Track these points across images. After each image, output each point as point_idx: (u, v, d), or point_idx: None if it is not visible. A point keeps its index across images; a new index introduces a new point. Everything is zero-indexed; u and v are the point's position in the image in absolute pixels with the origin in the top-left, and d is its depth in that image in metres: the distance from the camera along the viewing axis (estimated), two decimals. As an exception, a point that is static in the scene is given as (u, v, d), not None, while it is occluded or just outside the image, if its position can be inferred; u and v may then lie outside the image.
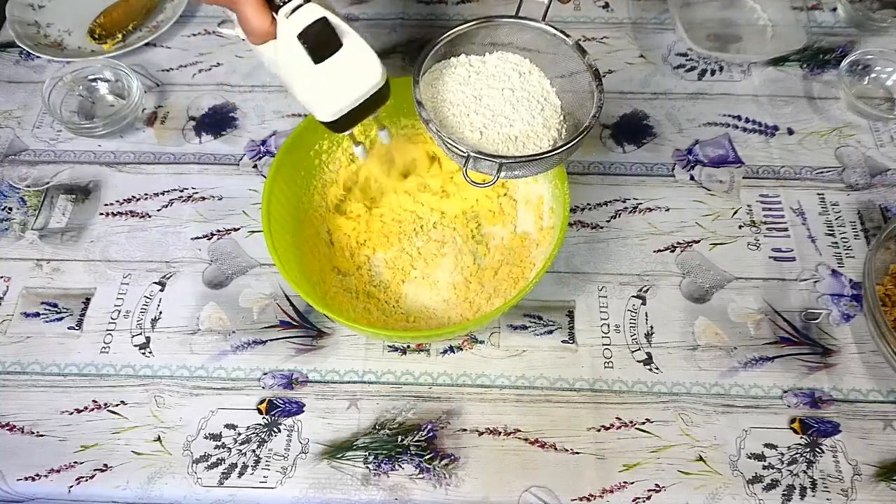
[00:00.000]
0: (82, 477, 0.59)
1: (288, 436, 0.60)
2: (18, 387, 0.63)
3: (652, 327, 0.65)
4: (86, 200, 0.73)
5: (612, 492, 0.57)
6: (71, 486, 0.58)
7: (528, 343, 0.64)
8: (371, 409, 0.61)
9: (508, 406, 0.61)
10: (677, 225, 0.71)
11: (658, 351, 0.64)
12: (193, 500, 0.58)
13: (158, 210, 0.73)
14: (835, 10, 0.87)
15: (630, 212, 0.72)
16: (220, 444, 0.60)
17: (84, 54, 0.83)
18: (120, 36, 0.84)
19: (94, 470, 0.59)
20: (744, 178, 0.74)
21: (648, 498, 0.57)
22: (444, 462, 0.59)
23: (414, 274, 0.67)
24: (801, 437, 0.59)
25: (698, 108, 0.79)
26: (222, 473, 0.59)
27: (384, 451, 0.59)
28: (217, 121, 0.79)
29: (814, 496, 0.57)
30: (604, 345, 0.64)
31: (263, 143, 0.77)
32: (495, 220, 0.69)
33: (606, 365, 0.63)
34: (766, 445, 0.59)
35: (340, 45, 0.49)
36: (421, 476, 0.58)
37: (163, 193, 0.74)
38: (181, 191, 0.74)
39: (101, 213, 0.72)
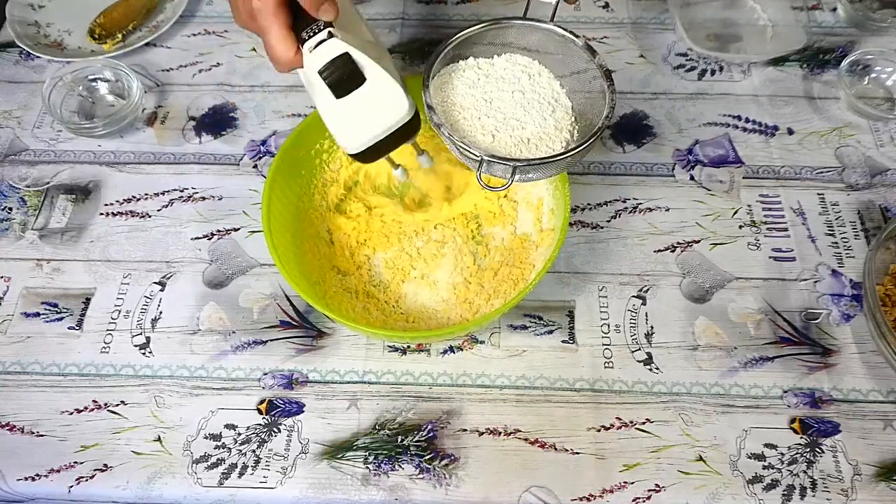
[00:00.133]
0: (82, 477, 0.59)
1: (288, 436, 0.60)
2: (18, 387, 0.63)
3: (652, 327, 0.65)
4: (86, 200, 0.73)
5: (612, 492, 0.57)
6: (71, 486, 0.58)
7: (528, 343, 0.64)
8: (371, 409, 0.61)
9: (508, 406, 0.61)
10: (677, 225, 0.71)
11: (658, 351, 0.64)
12: (193, 500, 0.58)
13: (158, 210, 0.73)
14: (835, 10, 0.87)
15: (630, 212, 0.72)
16: (220, 444, 0.60)
17: (84, 54, 0.83)
18: (120, 36, 0.84)
19: (94, 470, 0.59)
20: (744, 178, 0.74)
21: (648, 498, 0.57)
22: (444, 462, 0.59)
23: (414, 274, 0.67)
24: (801, 437, 0.59)
25: (698, 108, 0.79)
26: (222, 473, 0.59)
27: (384, 452, 0.59)
28: (217, 121, 0.79)
29: (814, 496, 0.57)
30: (604, 345, 0.64)
31: (263, 143, 0.77)
32: (495, 221, 0.69)
33: (606, 365, 0.63)
34: (766, 445, 0.59)
35: (363, 80, 0.49)
36: (421, 476, 0.58)
37: (163, 193, 0.74)
38: (181, 191, 0.74)
39: (101, 213, 0.72)
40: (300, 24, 0.49)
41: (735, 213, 0.71)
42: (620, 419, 0.60)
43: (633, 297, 0.67)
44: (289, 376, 0.63)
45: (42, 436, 0.60)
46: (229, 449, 0.60)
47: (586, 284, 0.67)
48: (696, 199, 0.72)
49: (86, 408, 0.62)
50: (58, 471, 0.59)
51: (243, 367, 0.64)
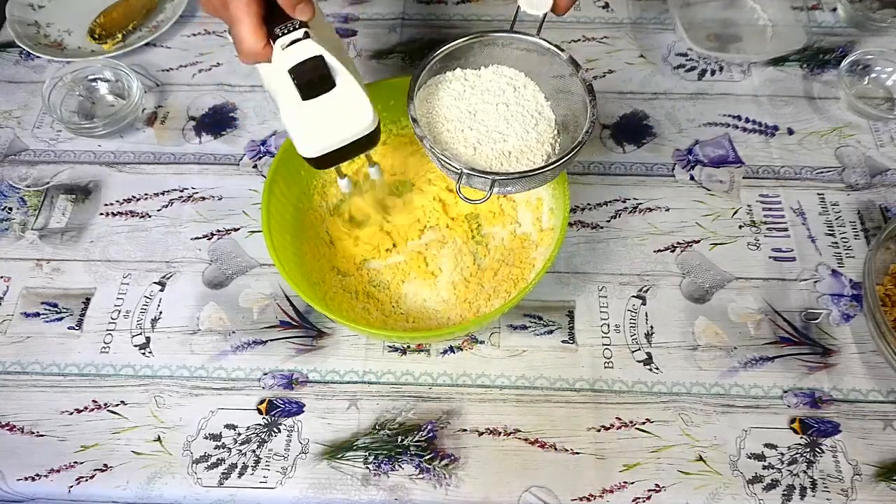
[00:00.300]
0: (82, 477, 0.59)
1: (288, 436, 0.60)
2: (18, 387, 0.63)
3: (652, 327, 0.65)
4: (86, 200, 0.73)
5: (612, 492, 0.57)
6: (71, 486, 0.58)
7: (528, 343, 0.64)
8: (371, 409, 0.61)
9: (508, 406, 0.61)
10: (677, 225, 0.71)
11: (658, 351, 0.64)
12: (193, 500, 0.58)
13: (158, 210, 0.73)
14: (835, 10, 0.87)
15: (630, 212, 0.72)
16: (220, 444, 0.60)
17: (84, 54, 0.83)
18: (120, 36, 0.84)
19: (94, 470, 0.59)
20: (744, 178, 0.74)
21: (648, 498, 0.57)
22: (444, 462, 0.59)
23: (414, 274, 0.67)
24: (801, 437, 0.59)
25: (698, 108, 0.79)
26: (222, 474, 0.59)
27: (384, 452, 0.59)
28: (217, 121, 0.79)
29: (814, 496, 0.57)
30: (604, 345, 0.64)
31: (263, 143, 0.77)
32: (495, 220, 0.69)
33: (606, 365, 0.63)
34: (766, 445, 0.59)
35: (333, 85, 0.48)
36: (421, 476, 0.58)
37: (163, 193, 0.74)
38: (181, 191, 0.74)
39: (101, 213, 0.72)
40: (273, 20, 0.49)
41: (735, 213, 0.71)
42: (620, 419, 0.60)
43: (633, 297, 0.67)
44: (289, 376, 0.63)
45: (42, 436, 0.60)
46: (229, 449, 0.60)
47: (586, 284, 0.67)
48: (696, 199, 0.72)
49: (86, 408, 0.62)
50: (58, 471, 0.59)
51: (243, 367, 0.64)
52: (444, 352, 0.64)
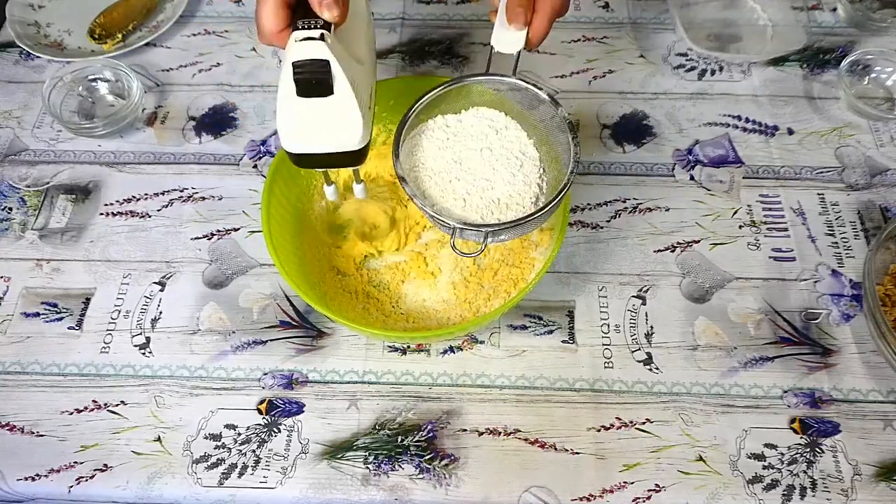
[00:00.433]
0: (82, 477, 0.59)
1: (288, 436, 0.60)
2: (18, 387, 0.63)
3: (652, 327, 0.65)
4: (86, 200, 0.73)
5: (612, 492, 0.57)
6: (71, 486, 0.58)
7: (528, 343, 0.64)
8: (371, 409, 0.61)
9: (508, 406, 0.61)
10: (677, 225, 0.71)
11: (658, 351, 0.64)
12: (193, 501, 0.58)
13: (158, 210, 0.73)
14: (835, 10, 0.87)
15: (630, 212, 0.72)
16: (220, 444, 0.60)
17: (84, 54, 0.83)
18: (120, 36, 0.84)
19: (94, 470, 0.59)
20: (744, 178, 0.74)
21: (648, 498, 0.57)
22: (444, 462, 0.59)
23: (414, 274, 0.66)
24: (801, 437, 0.59)
25: (698, 108, 0.79)
26: (222, 474, 0.59)
27: (384, 452, 0.59)
28: (217, 121, 0.79)
29: (814, 496, 0.57)
30: (604, 345, 0.64)
31: (263, 143, 0.77)
32: (495, 220, 0.69)
33: (606, 365, 0.63)
34: (766, 445, 0.59)
35: (331, 92, 0.48)
36: (421, 476, 0.58)
37: (163, 193, 0.74)
38: (181, 191, 0.74)
39: (101, 213, 0.72)
40: (301, 10, 0.49)
41: (735, 213, 0.71)
42: (620, 419, 0.60)
43: (633, 297, 0.67)
44: (289, 376, 0.63)
45: (42, 436, 0.60)
46: (229, 449, 0.60)
47: (586, 284, 0.67)
48: (696, 199, 0.72)
49: (86, 408, 0.62)
50: (58, 471, 0.59)
51: (243, 367, 0.64)
52: (444, 352, 0.64)
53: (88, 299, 0.67)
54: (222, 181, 0.74)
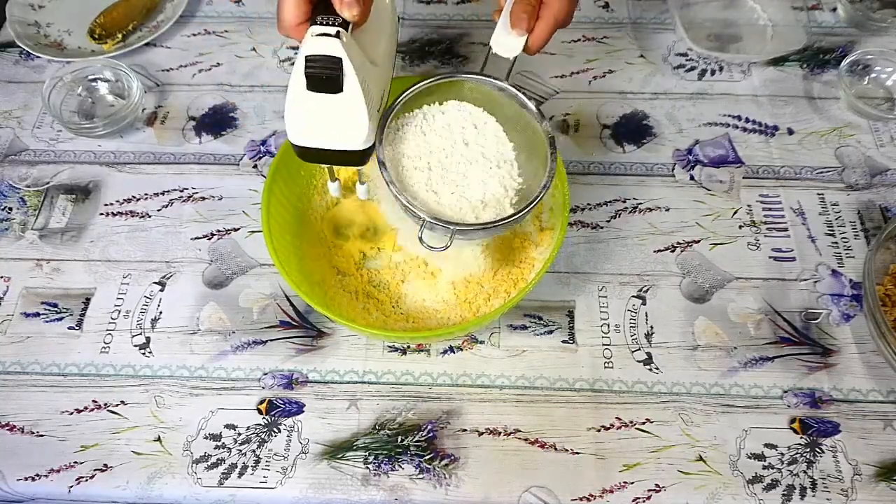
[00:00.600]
0: (82, 477, 0.59)
1: (288, 436, 0.60)
2: (18, 387, 0.63)
3: (652, 327, 0.65)
4: (86, 200, 0.73)
5: (612, 492, 0.57)
6: (71, 486, 0.58)
7: (528, 343, 0.64)
8: (371, 409, 0.61)
9: (508, 406, 0.61)
10: (677, 225, 0.71)
11: (658, 351, 0.64)
12: (193, 500, 0.58)
13: (158, 210, 0.73)
14: (835, 10, 0.87)
15: (630, 212, 0.72)
16: (220, 444, 0.60)
17: (84, 54, 0.83)
18: (120, 36, 0.84)
19: (94, 470, 0.59)
20: (744, 178, 0.74)
21: (648, 498, 0.57)
22: (444, 462, 0.59)
23: (414, 274, 0.66)
24: (801, 437, 0.59)
25: (698, 108, 0.79)
26: (222, 474, 0.59)
27: (384, 452, 0.59)
28: (217, 121, 0.79)
29: (814, 496, 0.57)
30: (604, 345, 0.64)
31: (263, 143, 0.77)
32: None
33: (606, 365, 0.63)
34: (766, 445, 0.59)
35: (340, 90, 0.48)
36: (421, 476, 0.58)
37: (163, 193, 0.74)
38: (181, 191, 0.74)
39: (101, 213, 0.72)
40: (322, 6, 0.49)
41: (735, 213, 0.71)
42: (620, 419, 0.60)
43: (633, 297, 0.67)
44: (289, 376, 0.63)
45: (42, 436, 0.60)
46: (229, 449, 0.60)
47: (586, 284, 0.67)
48: (696, 199, 0.72)
49: (86, 408, 0.62)
50: (58, 471, 0.59)
51: (243, 367, 0.64)
52: (444, 352, 0.64)
53: (88, 299, 0.67)
54: (222, 181, 0.74)
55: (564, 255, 0.69)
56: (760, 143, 0.76)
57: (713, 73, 0.82)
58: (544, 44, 0.54)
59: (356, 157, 0.52)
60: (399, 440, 0.60)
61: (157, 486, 0.58)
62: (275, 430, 0.60)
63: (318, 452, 0.59)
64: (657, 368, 0.63)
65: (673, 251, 0.69)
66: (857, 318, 0.65)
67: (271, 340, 0.65)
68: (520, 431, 0.60)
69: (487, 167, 0.54)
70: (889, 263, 0.66)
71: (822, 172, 0.74)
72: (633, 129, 0.77)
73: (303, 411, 0.61)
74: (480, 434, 0.60)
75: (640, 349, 0.64)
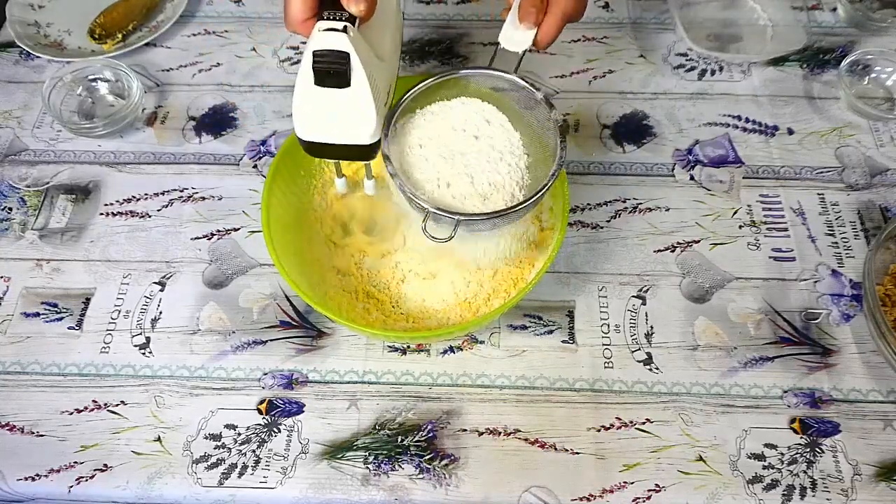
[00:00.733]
0: (82, 477, 0.59)
1: (288, 436, 0.60)
2: (18, 387, 0.63)
3: (652, 327, 0.65)
4: (86, 200, 0.73)
5: (612, 492, 0.57)
6: (71, 486, 0.58)
7: (528, 343, 0.64)
8: (371, 409, 0.61)
9: (508, 406, 0.61)
10: (677, 225, 0.71)
11: (658, 351, 0.64)
12: (193, 500, 0.58)
13: (158, 210, 0.73)
14: (835, 10, 0.87)
15: (630, 212, 0.72)
16: (220, 444, 0.60)
17: (84, 54, 0.83)
18: (120, 36, 0.84)
19: (94, 470, 0.59)
20: (744, 178, 0.74)
21: (648, 498, 0.57)
22: (444, 462, 0.59)
23: (413, 274, 0.66)
24: (801, 437, 0.59)
25: (698, 108, 0.79)
26: (222, 474, 0.59)
27: (384, 452, 0.59)
28: (217, 121, 0.79)
29: (814, 496, 0.57)
30: (604, 345, 0.64)
31: (263, 143, 0.77)
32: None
33: (606, 365, 0.63)
34: (766, 445, 0.59)
35: (348, 84, 0.48)
36: (421, 476, 0.58)
37: (163, 193, 0.74)
38: (181, 191, 0.74)
39: (101, 213, 0.72)
40: (329, 1, 0.49)
41: (735, 213, 0.71)
42: (620, 419, 0.60)
43: (633, 297, 0.67)
44: (289, 376, 0.63)
45: (42, 436, 0.60)
46: (229, 449, 0.60)
47: (586, 284, 0.67)
48: (696, 199, 0.72)
49: (86, 408, 0.62)
50: (58, 471, 0.59)
51: (243, 367, 0.64)
52: (444, 352, 0.64)
53: (88, 299, 0.67)
54: (222, 181, 0.74)
55: (564, 255, 0.69)
56: (760, 143, 0.76)
57: (713, 73, 0.82)
58: (553, 38, 0.54)
59: (364, 152, 0.52)
60: (399, 440, 0.60)
61: (157, 486, 0.58)
62: (275, 430, 0.60)
63: (318, 452, 0.59)
64: (657, 368, 0.63)
65: (673, 251, 0.69)
66: (857, 318, 0.65)
67: (271, 340, 0.65)
68: (520, 431, 0.60)
69: (496, 158, 0.54)
70: (889, 263, 0.66)
71: (822, 172, 0.74)
72: (633, 129, 0.77)
73: (303, 411, 0.61)
74: (480, 434, 0.60)
75: (640, 349, 0.64)
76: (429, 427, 0.60)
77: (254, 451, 0.59)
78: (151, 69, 0.83)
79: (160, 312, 0.66)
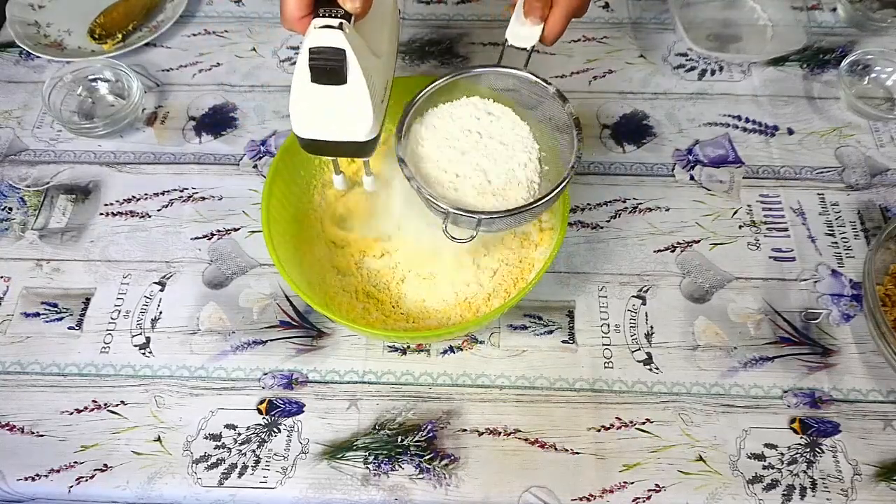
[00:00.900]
0: (82, 477, 0.59)
1: (288, 436, 0.60)
2: (18, 387, 0.63)
3: (652, 327, 0.65)
4: (86, 200, 0.73)
5: (612, 492, 0.57)
6: (71, 486, 0.58)
7: (528, 343, 0.64)
8: (371, 409, 0.61)
9: (508, 406, 0.61)
10: (677, 225, 0.71)
11: (658, 351, 0.64)
12: (193, 500, 0.58)
13: (158, 210, 0.73)
14: (835, 10, 0.87)
15: (630, 212, 0.72)
16: (220, 444, 0.60)
17: (84, 54, 0.83)
18: (120, 36, 0.84)
19: (94, 470, 0.59)
20: (744, 178, 0.74)
21: (648, 498, 0.57)
22: (444, 462, 0.59)
23: (413, 274, 0.66)
24: (801, 437, 0.59)
25: (698, 108, 0.79)
26: (222, 474, 0.59)
27: (384, 452, 0.59)
28: (217, 121, 0.79)
29: (814, 496, 0.57)
30: (604, 345, 0.64)
31: (263, 143, 0.77)
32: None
33: (606, 365, 0.63)
34: (766, 445, 0.59)
35: (344, 81, 0.48)
36: (421, 476, 0.58)
37: (163, 193, 0.74)
38: (181, 191, 0.74)
39: (101, 213, 0.72)
40: (326, 1, 0.49)
41: (735, 213, 0.71)
42: (620, 419, 0.60)
43: (633, 297, 0.67)
44: (289, 376, 0.63)
45: (42, 436, 0.60)
46: (229, 449, 0.60)
47: (586, 284, 0.67)
48: (696, 199, 0.72)
49: (86, 408, 0.62)
50: (58, 471, 0.59)
51: (243, 367, 0.64)
52: (444, 352, 0.64)
53: (88, 299, 0.67)
54: (222, 181, 0.74)
55: (564, 255, 0.69)
56: (760, 143, 0.76)
57: (713, 73, 0.82)
58: (560, 33, 0.54)
59: (362, 149, 0.52)
60: (399, 440, 0.60)
61: (157, 486, 0.58)
62: (275, 430, 0.60)
63: (318, 452, 0.59)
64: (657, 368, 0.63)
65: (673, 251, 0.69)
66: (857, 318, 0.65)
67: (271, 340, 0.65)
68: (520, 431, 0.60)
69: (510, 157, 0.55)
70: (889, 263, 0.66)
71: (822, 172, 0.74)
72: (633, 129, 0.77)
73: (303, 411, 0.61)
74: (480, 434, 0.60)
75: (640, 349, 0.64)
76: (429, 427, 0.60)
77: (254, 451, 0.59)
78: (151, 69, 0.83)
79: (160, 312, 0.66)
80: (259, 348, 0.64)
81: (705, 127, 0.78)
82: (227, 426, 0.61)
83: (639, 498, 0.57)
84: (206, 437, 0.60)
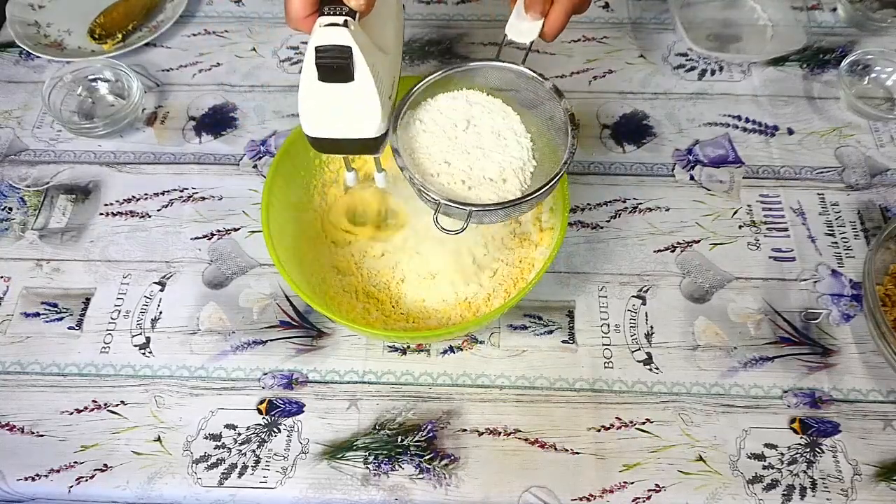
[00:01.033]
0: (82, 477, 0.59)
1: (288, 436, 0.60)
2: (18, 387, 0.63)
3: (652, 327, 0.65)
4: (86, 200, 0.73)
5: (612, 492, 0.57)
6: (71, 486, 0.58)
7: (528, 343, 0.64)
8: (371, 409, 0.61)
9: (508, 406, 0.61)
10: (677, 225, 0.71)
11: (658, 351, 0.64)
12: (193, 500, 0.58)
13: (158, 210, 0.73)
14: (835, 10, 0.87)
15: (630, 212, 0.72)
16: (220, 444, 0.60)
17: (84, 54, 0.83)
18: (120, 36, 0.84)
19: (94, 470, 0.59)
20: (744, 178, 0.74)
21: (648, 498, 0.57)
22: (444, 462, 0.59)
23: (413, 274, 0.66)
24: (801, 437, 0.60)
25: (698, 108, 0.79)
26: (222, 474, 0.59)
27: (384, 452, 0.59)
28: (217, 121, 0.79)
29: (814, 496, 0.57)
30: (604, 345, 0.64)
31: (263, 143, 0.77)
32: (495, 220, 0.69)
33: (606, 365, 0.63)
34: (766, 445, 0.59)
35: (351, 79, 0.48)
36: (421, 476, 0.58)
37: (163, 193, 0.74)
38: (181, 191, 0.74)
39: (101, 213, 0.72)
40: None
41: (735, 213, 0.71)
42: (620, 419, 0.60)
43: (633, 297, 0.67)
44: (289, 376, 0.63)
45: (42, 436, 0.60)
46: (229, 449, 0.60)
47: (586, 284, 0.67)
48: (696, 199, 0.72)
49: (86, 408, 0.62)
50: (58, 471, 0.59)
51: (243, 367, 0.64)
52: (444, 352, 0.64)
53: (88, 299, 0.67)
54: (222, 181, 0.74)
55: (564, 255, 0.69)
56: (760, 143, 0.76)
57: (713, 73, 0.82)
58: (560, 29, 0.54)
59: (371, 146, 0.52)
60: (399, 440, 0.60)
61: (157, 486, 0.58)
62: (275, 430, 0.60)
63: (318, 452, 0.59)
64: (657, 368, 0.63)
65: (673, 251, 0.69)
66: (857, 318, 0.65)
67: (271, 340, 0.65)
68: (520, 431, 0.60)
69: (504, 151, 0.54)
70: (889, 263, 0.66)
71: (822, 172, 0.74)
72: (633, 129, 0.77)
73: (303, 411, 0.61)
74: (480, 434, 0.60)
75: (640, 349, 0.64)
76: (429, 427, 0.60)
77: (254, 451, 0.59)
78: (151, 69, 0.83)
79: (160, 312, 0.66)
80: (259, 348, 0.64)
81: (705, 127, 0.78)
82: (227, 426, 0.61)
83: (639, 498, 0.57)
84: (206, 437, 0.60)
